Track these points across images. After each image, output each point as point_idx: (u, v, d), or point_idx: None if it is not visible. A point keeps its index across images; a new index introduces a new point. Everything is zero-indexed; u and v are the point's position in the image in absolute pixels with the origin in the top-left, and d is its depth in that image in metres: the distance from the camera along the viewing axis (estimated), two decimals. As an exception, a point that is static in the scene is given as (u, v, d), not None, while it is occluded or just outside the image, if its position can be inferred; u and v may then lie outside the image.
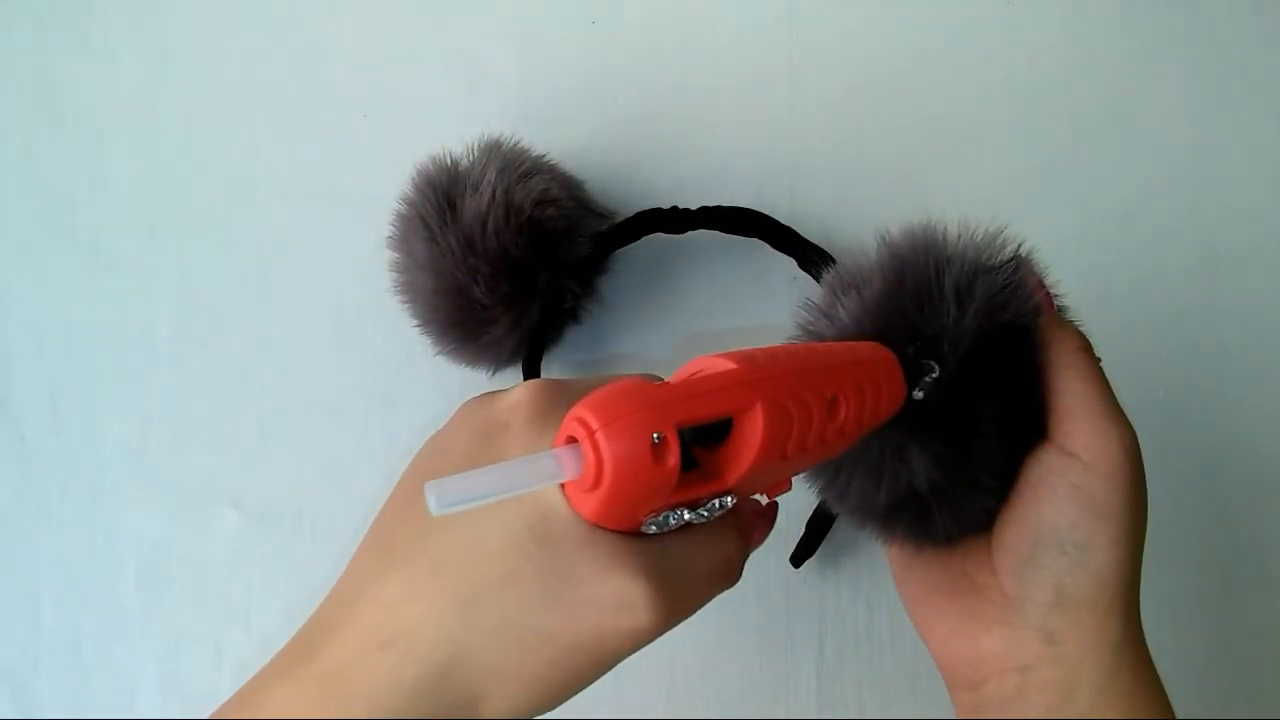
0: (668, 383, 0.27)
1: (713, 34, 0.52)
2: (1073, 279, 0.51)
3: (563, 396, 0.29)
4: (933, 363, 0.32)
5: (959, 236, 0.33)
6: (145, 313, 0.52)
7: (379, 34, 0.53)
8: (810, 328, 0.34)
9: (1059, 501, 0.32)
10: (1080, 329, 0.35)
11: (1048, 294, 0.35)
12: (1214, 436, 0.52)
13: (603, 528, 0.27)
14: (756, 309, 0.51)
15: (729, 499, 0.28)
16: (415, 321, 0.47)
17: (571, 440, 0.26)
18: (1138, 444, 0.33)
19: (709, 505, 0.28)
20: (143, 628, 0.51)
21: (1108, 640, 0.32)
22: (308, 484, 0.51)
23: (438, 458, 0.30)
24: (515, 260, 0.44)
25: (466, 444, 0.29)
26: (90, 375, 0.52)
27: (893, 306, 0.32)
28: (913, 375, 0.32)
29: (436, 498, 0.23)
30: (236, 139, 0.52)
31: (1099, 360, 0.35)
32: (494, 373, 0.49)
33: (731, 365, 0.27)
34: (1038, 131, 0.52)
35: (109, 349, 0.52)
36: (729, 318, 0.51)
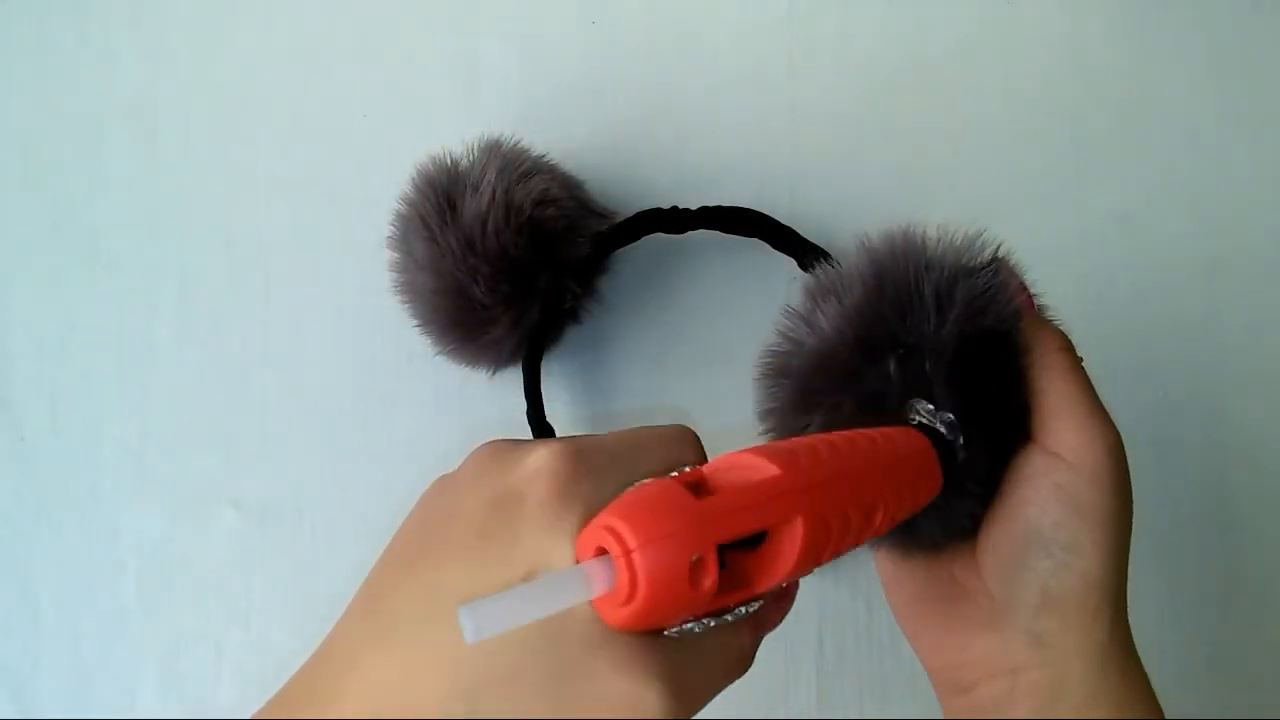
0: (700, 481, 0.26)
1: (713, 34, 0.52)
2: (1073, 280, 0.52)
3: (586, 471, 0.27)
4: (960, 441, 0.32)
5: (938, 241, 0.33)
6: (145, 313, 0.52)
7: (379, 34, 0.53)
8: (791, 334, 0.34)
9: (1044, 502, 0.32)
10: (1062, 330, 0.35)
11: (1028, 296, 0.35)
12: (1215, 437, 0.52)
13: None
14: (756, 309, 0.51)
15: (756, 604, 0.27)
16: (415, 321, 0.47)
17: (601, 551, 0.24)
18: (1122, 444, 0.33)
19: (735, 611, 0.27)
20: (143, 628, 0.51)
21: (1095, 642, 0.32)
22: (308, 484, 0.51)
23: (444, 524, 0.27)
24: (515, 260, 0.44)
25: (477, 512, 0.27)
26: (90, 375, 0.52)
27: (873, 314, 0.32)
28: (945, 458, 0.31)
29: (473, 628, 0.22)
30: (236, 139, 0.52)
31: (1081, 361, 0.35)
32: (494, 372, 0.49)
33: (773, 470, 0.26)
34: (1038, 132, 0.52)
35: (109, 349, 0.52)
36: (729, 318, 0.51)
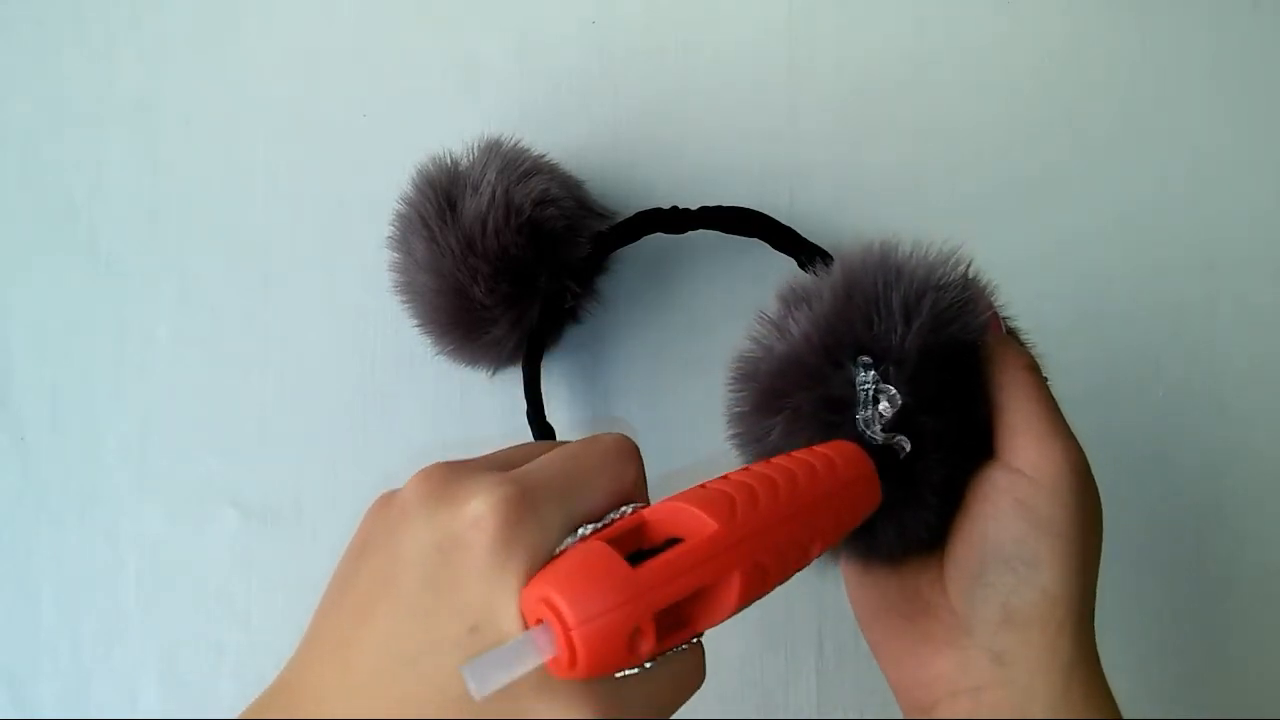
0: (639, 534, 0.27)
1: (713, 34, 0.52)
2: (1072, 279, 0.52)
3: (528, 514, 0.27)
4: (903, 439, 0.32)
5: (911, 254, 0.33)
6: (145, 313, 0.52)
7: (379, 34, 0.53)
8: (762, 340, 0.34)
9: (1005, 518, 0.32)
10: (1027, 349, 0.35)
11: (995, 314, 0.35)
12: (1214, 436, 0.52)
13: None
14: (756, 309, 0.51)
15: (695, 640, 0.28)
16: (415, 321, 0.47)
17: (540, 621, 0.25)
18: (1085, 461, 0.33)
19: (677, 649, 0.28)
20: (143, 628, 0.51)
21: (1058, 660, 0.32)
22: (308, 484, 0.51)
23: (392, 570, 0.28)
24: (515, 260, 0.44)
25: (423, 559, 0.27)
26: (90, 375, 0.52)
27: (840, 321, 0.33)
28: (886, 465, 0.32)
29: (477, 686, 0.23)
30: (236, 139, 0.52)
31: (1046, 380, 0.35)
32: (494, 373, 0.49)
33: (711, 525, 0.26)
34: (1037, 132, 0.52)
35: (109, 349, 0.52)
36: (729, 318, 0.51)
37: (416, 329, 0.47)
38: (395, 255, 0.46)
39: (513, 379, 0.48)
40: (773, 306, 0.35)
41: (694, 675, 0.29)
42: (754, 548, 0.27)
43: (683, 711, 0.50)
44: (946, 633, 0.33)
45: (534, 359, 0.47)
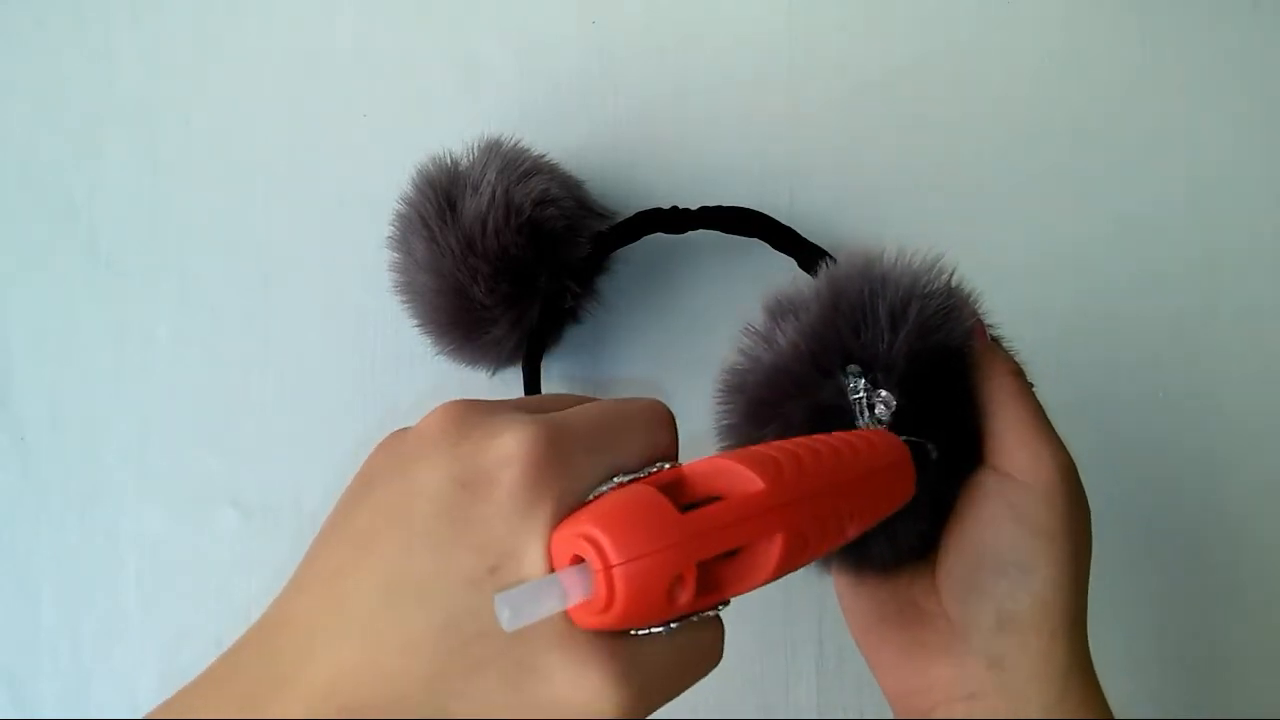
0: (679, 482, 0.26)
1: (713, 34, 0.52)
2: (1072, 279, 0.52)
3: (561, 459, 0.25)
4: (931, 446, 0.32)
5: (896, 262, 0.33)
6: (145, 313, 0.52)
7: (379, 34, 0.53)
8: (749, 352, 0.34)
9: (997, 522, 0.32)
10: (1012, 355, 0.35)
11: (980, 322, 0.35)
12: (1214, 438, 0.52)
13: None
14: (756, 309, 0.51)
15: (724, 606, 0.27)
16: (415, 321, 0.47)
17: (578, 559, 0.24)
18: (1074, 465, 0.33)
19: (702, 614, 0.27)
20: (143, 627, 0.51)
21: (1054, 665, 0.32)
22: (308, 484, 0.51)
23: (406, 500, 0.26)
24: (515, 260, 0.44)
25: (443, 493, 0.25)
26: (90, 375, 0.52)
27: (828, 330, 0.33)
28: (920, 462, 0.31)
29: (510, 615, 0.22)
30: (236, 139, 0.52)
31: (1032, 386, 0.35)
32: (494, 372, 0.49)
33: (758, 483, 0.25)
34: (1037, 132, 0.52)
35: (109, 349, 0.52)
36: (729, 318, 0.51)
37: (416, 329, 0.47)
38: (395, 255, 0.46)
39: (513, 379, 0.48)
40: (759, 318, 0.35)
41: (711, 652, 0.28)
42: (799, 512, 0.26)
43: (683, 712, 0.50)
44: (941, 640, 0.33)
45: (534, 359, 0.47)
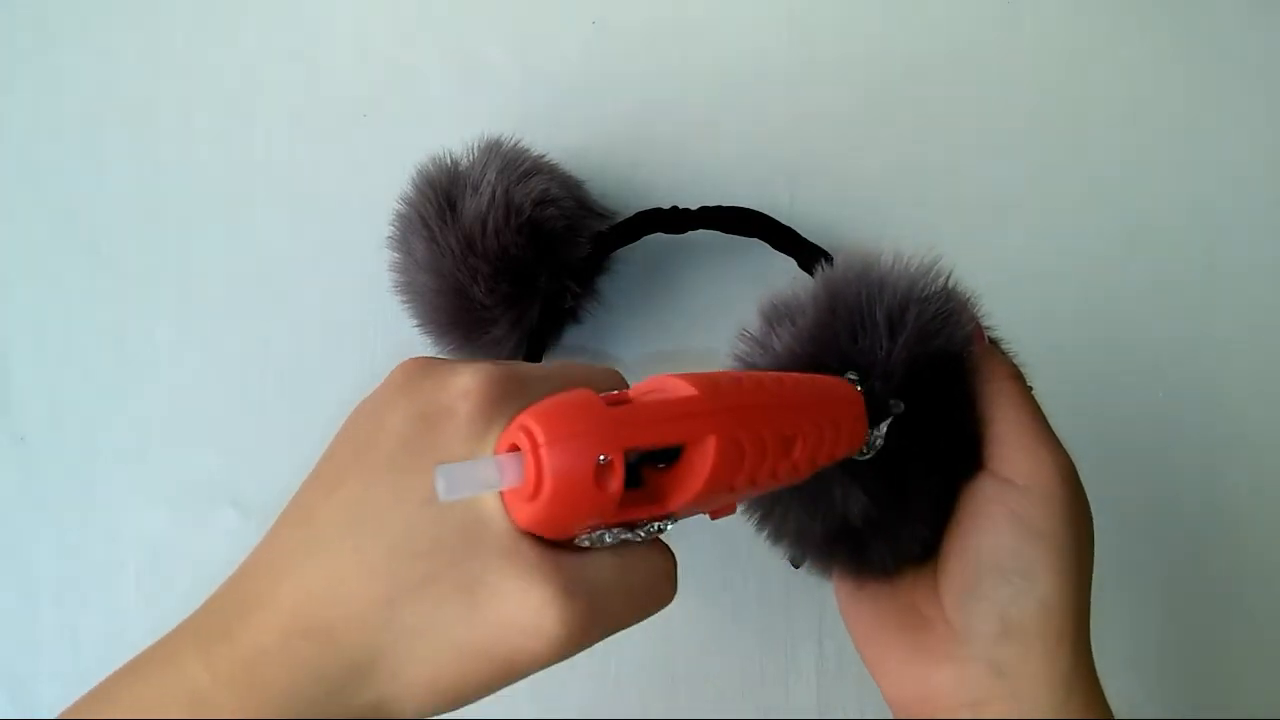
0: (622, 400, 0.27)
1: (713, 34, 0.52)
2: (1072, 279, 0.52)
3: (516, 391, 0.27)
4: (899, 402, 0.32)
5: (893, 266, 0.33)
6: (145, 313, 0.52)
7: (378, 34, 0.53)
8: (745, 358, 0.34)
9: (999, 528, 0.32)
10: (1011, 359, 0.35)
11: (978, 325, 0.35)
12: (1214, 436, 0.52)
13: (533, 535, 0.26)
14: (753, 313, 0.51)
15: (668, 523, 0.28)
16: (415, 321, 0.47)
17: (514, 448, 0.25)
18: (1074, 469, 0.33)
19: (647, 527, 0.27)
20: (143, 628, 0.51)
21: (1058, 671, 0.31)
22: (308, 484, 0.51)
23: (371, 439, 0.28)
24: (515, 260, 0.44)
25: (404, 426, 0.27)
26: (90, 375, 0.52)
27: (826, 336, 0.32)
28: (876, 413, 0.31)
29: (446, 486, 0.23)
30: (236, 139, 0.52)
31: (1031, 389, 0.35)
32: (494, 373, 0.49)
33: (692, 391, 0.26)
34: (1037, 131, 0.52)
35: (109, 349, 0.52)
36: (729, 318, 0.51)
37: (416, 329, 0.47)
38: (395, 255, 0.46)
39: (513, 379, 0.48)
40: (755, 323, 0.34)
41: (662, 582, 0.29)
42: (731, 419, 0.27)
43: (684, 710, 0.50)
44: (944, 646, 0.33)
45: (534, 359, 0.47)
